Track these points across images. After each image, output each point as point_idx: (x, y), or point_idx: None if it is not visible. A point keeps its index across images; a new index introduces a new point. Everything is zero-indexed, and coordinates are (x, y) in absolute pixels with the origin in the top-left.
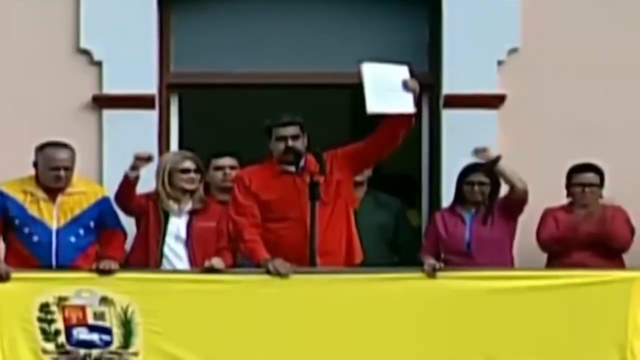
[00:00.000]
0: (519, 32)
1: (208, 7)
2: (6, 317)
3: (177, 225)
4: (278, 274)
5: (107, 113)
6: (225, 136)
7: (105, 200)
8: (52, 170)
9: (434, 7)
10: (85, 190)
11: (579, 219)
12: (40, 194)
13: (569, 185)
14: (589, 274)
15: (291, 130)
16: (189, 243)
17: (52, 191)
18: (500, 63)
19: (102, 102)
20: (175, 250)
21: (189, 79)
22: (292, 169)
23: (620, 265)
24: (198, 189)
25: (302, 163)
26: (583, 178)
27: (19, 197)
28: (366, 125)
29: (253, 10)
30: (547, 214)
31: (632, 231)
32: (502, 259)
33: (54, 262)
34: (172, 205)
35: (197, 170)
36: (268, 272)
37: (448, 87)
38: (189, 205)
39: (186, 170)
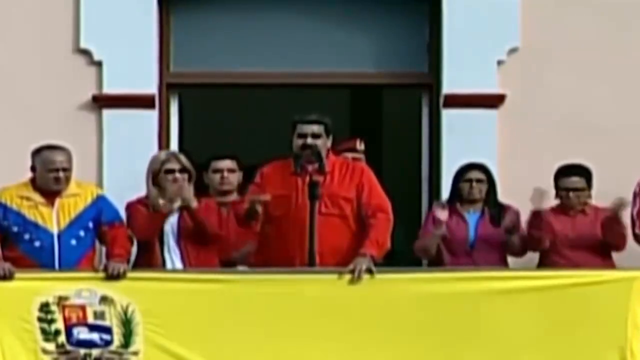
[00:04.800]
0: (519, 32)
1: (208, 7)
2: (6, 317)
3: (170, 224)
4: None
5: (107, 113)
6: (225, 136)
7: (101, 198)
8: (51, 172)
9: (434, 7)
10: (79, 191)
11: (571, 222)
12: (38, 198)
13: (556, 187)
14: (589, 274)
15: (315, 128)
16: (179, 239)
17: (50, 195)
18: (500, 63)
19: (102, 102)
20: (172, 249)
21: (189, 79)
22: (309, 167)
23: (611, 263)
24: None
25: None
26: (568, 182)
27: (15, 203)
28: (366, 125)
29: (253, 10)
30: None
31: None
32: (503, 258)
33: (57, 266)
34: (162, 204)
35: (182, 170)
36: (251, 210)
37: (448, 87)
38: (178, 203)
39: (170, 171)
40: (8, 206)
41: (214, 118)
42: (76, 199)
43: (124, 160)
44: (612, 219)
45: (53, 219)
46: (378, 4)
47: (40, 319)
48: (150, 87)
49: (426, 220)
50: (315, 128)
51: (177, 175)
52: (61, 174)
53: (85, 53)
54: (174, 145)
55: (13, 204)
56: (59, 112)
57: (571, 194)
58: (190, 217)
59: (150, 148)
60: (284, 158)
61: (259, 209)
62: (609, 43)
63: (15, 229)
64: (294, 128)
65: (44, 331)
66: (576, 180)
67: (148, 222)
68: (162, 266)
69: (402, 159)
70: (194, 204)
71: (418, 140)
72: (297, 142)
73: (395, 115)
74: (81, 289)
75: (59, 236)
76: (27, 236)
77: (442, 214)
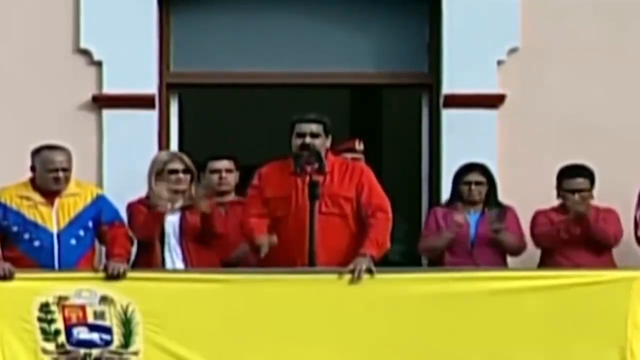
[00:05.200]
0: (519, 32)
1: (208, 7)
2: (6, 317)
3: (172, 223)
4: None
5: (107, 113)
6: (225, 136)
7: (101, 198)
8: (50, 173)
9: (434, 7)
10: (78, 191)
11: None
12: (38, 198)
13: (559, 188)
14: (589, 274)
15: (313, 127)
16: (181, 239)
17: (49, 195)
18: (500, 63)
19: (102, 102)
20: (173, 248)
21: (189, 79)
22: (300, 168)
23: (611, 261)
24: (189, 188)
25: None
26: (573, 184)
27: (15, 203)
28: (366, 125)
29: (253, 10)
30: (539, 213)
31: (621, 230)
32: (503, 258)
33: (56, 266)
34: (164, 204)
35: (185, 171)
36: (257, 250)
37: (448, 87)
38: (179, 203)
39: (174, 171)
40: (8, 206)
41: (214, 118)
42: (76, 198)
43: (124, 160)
44: (578, 222)
45: (53, 218)
46: (378, 4)
47: (40, 319)
48: (150, 87)
49: (428, 221)
50: (314, 127)
51: (181, 175)
52: (61, 174)
53: (85, 53)
54: (174, 145)
55: (13, 203)
56: (59, 112)
57: (576, 195)
58: (202, 219)
59: (150, 148)
60: (283, 158)
61: (265, 249)
62: (609, 43)
63: (15, 228)
64: (292, 128)
65: (44, 331)
66: (581, 182)
67: (147, 221)
68: (162, 266)
69: (402, 159)
70: (208, 208)
71: (418, 140)
72: (296, 141)
73: (395, 115)
74: (81, 289)
75: (58, 236)
76: (26, 236)
77: (460, 217)
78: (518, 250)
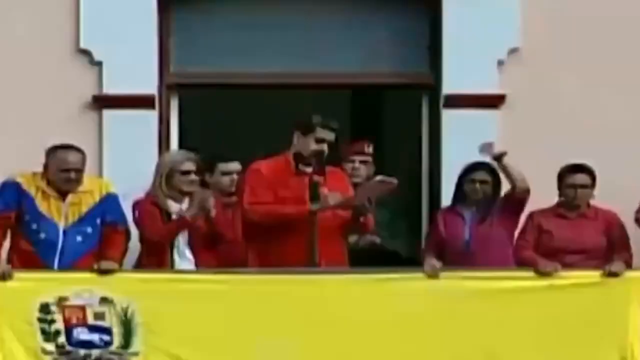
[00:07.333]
0: (519, 32)
1: (208, 7)
2: (6, 317)
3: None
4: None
5: (107, 113)
6: (225, 136)
7: (110, 197)
8: (63, 173)
9: (434, 7)
10: (92, 188)
11: (570, 228)
12: (51, 191)
13: (561, 186)
14: (589, 275)
15: (332, 136)
16: (190, 242)
17: (63, 190)
18: (500, 63)
19: (102, 102)
20: (182, 251)
21: (189, 79)
22: (308, 169)
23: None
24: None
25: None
26: (575, 179)
27: (32, 191)
28: (366, 125)
29: (253, 10)
30: (532, 220)
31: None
32: (502, 258)
33: (56, 261)
34: (173, 204)
35: (197, 172)
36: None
37: (448, 87)
38: (184, 204)
39: (187, 172)
40: (26, 194)
41: (214, 118)
42: (87, 195)
43: (124, 160)
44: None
45: (62, 213)
46: (378, 4)
47: (40, 320)
48: (150, 87)
49: (432, 227)
50: (333, 136)
51: (193, 176)
52: (73, 175)
53: (85, 53)
54: (174, 145)
55: (30, 190)
56: (59, 112)
57: (578, 190)
58: (207, 223)
59: (150, 148)
60: (276, 156)
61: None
62: (609, 43)
63: (26, 217)
64: (309, 127)
65: (44, 331)
66: (583, 177)
67: (167, 228)
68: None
69: (402, 159)
70: (214, 211)
71: (418, 140)
72: (313, 145)
73: (395, 115)
74: (81, 289)
75: (65, 231)
76: (34, 226)
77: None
78: (524, 185)
